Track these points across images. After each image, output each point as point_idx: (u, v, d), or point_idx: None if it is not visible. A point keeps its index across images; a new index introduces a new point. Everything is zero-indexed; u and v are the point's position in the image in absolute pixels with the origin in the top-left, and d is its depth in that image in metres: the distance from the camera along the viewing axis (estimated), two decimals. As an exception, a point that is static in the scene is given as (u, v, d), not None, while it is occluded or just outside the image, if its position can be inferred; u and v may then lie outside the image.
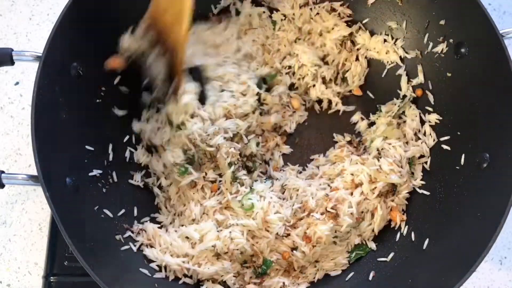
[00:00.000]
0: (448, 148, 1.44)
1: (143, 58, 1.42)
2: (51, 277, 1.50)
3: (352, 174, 1.45)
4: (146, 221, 1.45)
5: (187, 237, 1.39)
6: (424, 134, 1.51)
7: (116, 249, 1.32)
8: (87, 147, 1.39)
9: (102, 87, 1.47)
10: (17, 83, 1.75)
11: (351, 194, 1.43)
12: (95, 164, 1.41)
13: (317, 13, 1.64)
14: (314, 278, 1.42)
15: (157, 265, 1.37)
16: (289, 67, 1.63)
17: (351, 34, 1.64)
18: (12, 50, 1.27)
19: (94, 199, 1.35)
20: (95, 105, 1.45)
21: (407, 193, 1.47)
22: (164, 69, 1.41)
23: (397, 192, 1.46)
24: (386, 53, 1.61)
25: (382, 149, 1.51)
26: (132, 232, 1.40)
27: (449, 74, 1.47)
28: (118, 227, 1.39)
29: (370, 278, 1.39)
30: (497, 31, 1.30)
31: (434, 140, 1.48)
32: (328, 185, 1.47)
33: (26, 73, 1.75)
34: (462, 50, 1.41)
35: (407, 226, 1.44)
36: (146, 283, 1.31)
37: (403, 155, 1.47)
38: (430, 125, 1.50)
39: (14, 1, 1.86)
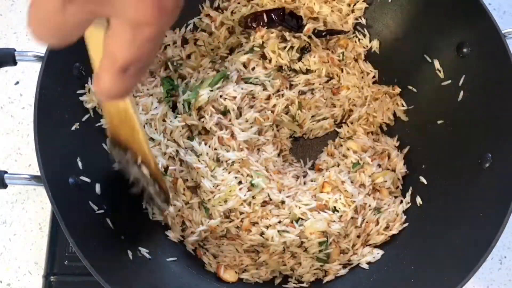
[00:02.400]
0: (450, 148, 1.44)
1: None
2: (51, 277, 1.50)
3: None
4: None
5: None
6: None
7: (120, 248, 1.32)
8: (89, 147, 1.39)
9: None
10: (17, 83, 1.75)
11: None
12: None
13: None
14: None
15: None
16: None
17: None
18: (15, 50, 1.27)
19: (97, 199, 1.34)
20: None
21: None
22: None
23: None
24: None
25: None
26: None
27: (451, 74, 1.47)
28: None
29: (371, 277, 1.39)
30: (499, 31, 1.30)
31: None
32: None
33: (26, 72, 1.74)
34: (465, 50, 1.41)
35: (408, 225, 1.44)
36: (150, 282, 1.32)
37: None
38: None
39: (14, 1, 1.86)
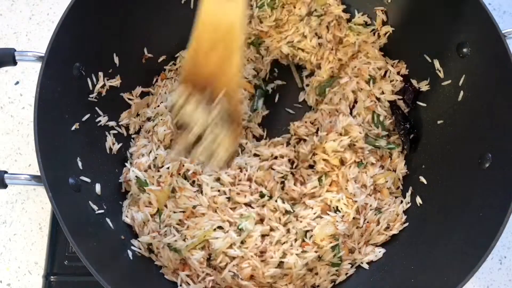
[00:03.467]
0: (450, 148, 1.44)
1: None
2: (51, 277, 1.50)
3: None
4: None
5: None
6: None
7: (120, 248, 1.32)
8: (89, 147, 1.39)
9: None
10: (17, 83, 1.75)
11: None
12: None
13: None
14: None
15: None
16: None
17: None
18: (15, 50, 1.27)
19: (97, 199, 1.35)
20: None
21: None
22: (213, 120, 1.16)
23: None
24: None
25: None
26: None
27: (451, 74, 1.47)
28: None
29: (371, 277, 1.39)
30: (499, 31, 1.30)
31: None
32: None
33: (26, 72, 1.75)
34: (465, 50, 1.41)
35: (408, 225, 1.44)
36: (150, 282, 1.32)
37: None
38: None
39: (14, 1, 1.86)
